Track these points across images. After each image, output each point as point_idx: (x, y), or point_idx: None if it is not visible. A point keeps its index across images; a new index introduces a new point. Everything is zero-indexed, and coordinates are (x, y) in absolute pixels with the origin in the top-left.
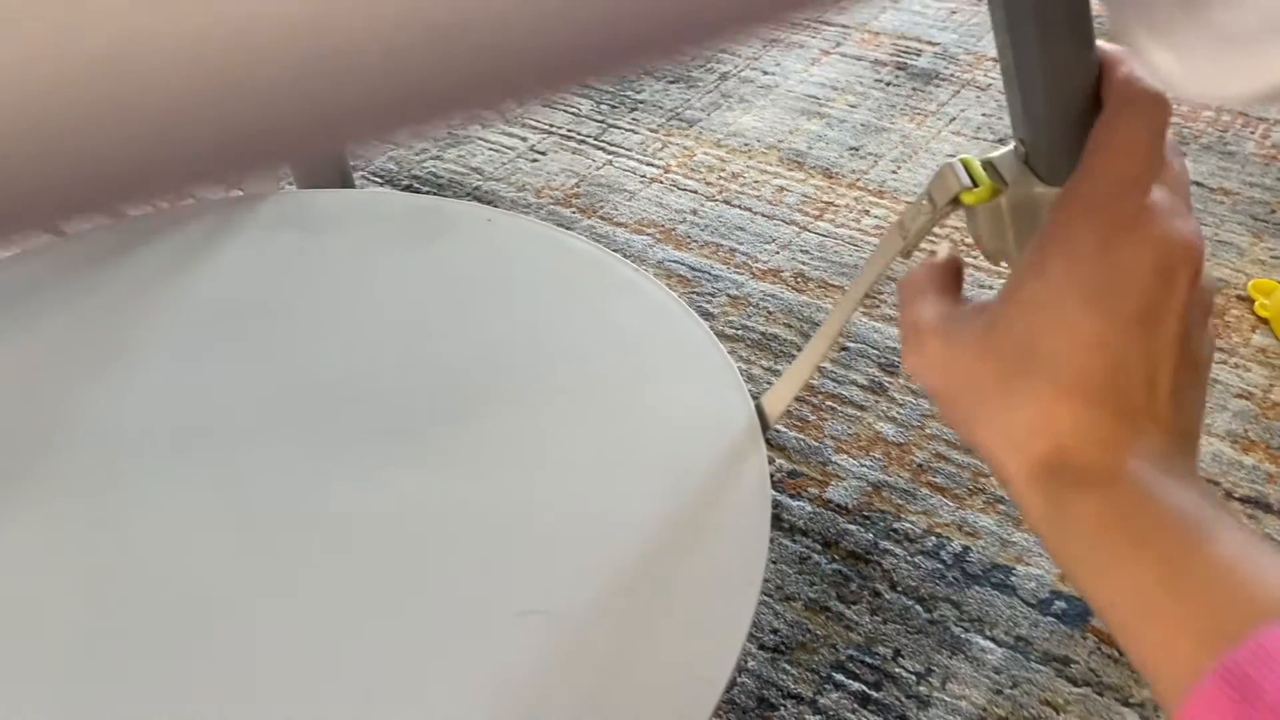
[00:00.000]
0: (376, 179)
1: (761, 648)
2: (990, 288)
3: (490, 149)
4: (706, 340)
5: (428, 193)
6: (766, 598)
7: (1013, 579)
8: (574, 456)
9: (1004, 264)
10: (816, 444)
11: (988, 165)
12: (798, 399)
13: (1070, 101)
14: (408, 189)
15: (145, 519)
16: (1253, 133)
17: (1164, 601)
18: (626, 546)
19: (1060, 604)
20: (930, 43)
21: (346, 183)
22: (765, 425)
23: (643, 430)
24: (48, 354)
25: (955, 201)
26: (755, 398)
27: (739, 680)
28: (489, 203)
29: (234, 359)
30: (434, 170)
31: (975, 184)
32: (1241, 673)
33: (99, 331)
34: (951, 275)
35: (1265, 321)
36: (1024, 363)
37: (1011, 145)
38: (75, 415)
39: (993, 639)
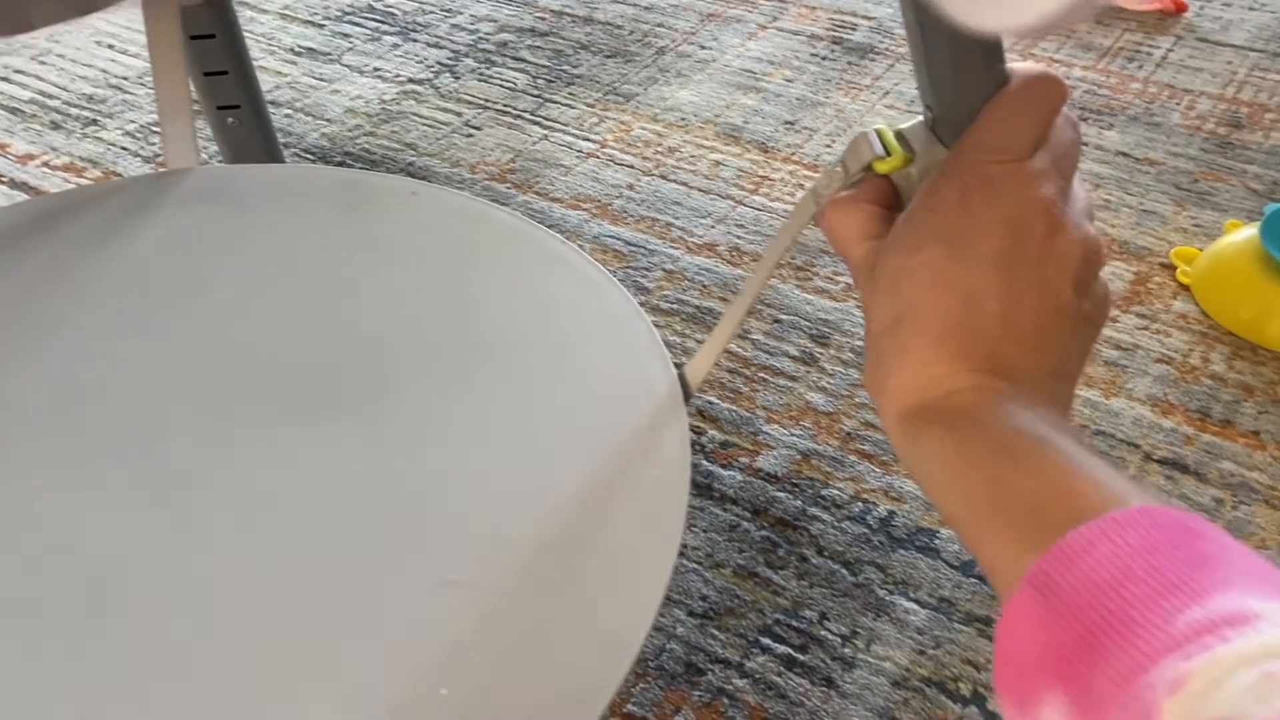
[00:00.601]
0: (309, 155)
1: (690, 614)
2: None
3: (424, 124)
4: (630, 309)
5: (359, 169)
6: (696, 565)
7: (937, 542)
8: (496, 427)
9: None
10: (748, 415)
11: (899, 135)
12: (731, 371)
13: (973, 69)
14: (340, 165)
15: (59, 497)
16: (1178, 104)
17: (994, 514)
18: (547, 515)
19: None
20: (866, 17)
21: (275, 159)
22: (688, 393)
23: (565, 399)
24: None
25: (868, 170)
26: (678, 366)
27: (667, 646)
28: (423, 179)
29: (153, 336)
30: (367, 146)
31: (888, 153)
32: (1045, 574)
33: (12, 309)
34: (871, 213)
35: (1186, 288)
36: (893, 305)
37: (921, 115)
38: None
39: (916, 601)
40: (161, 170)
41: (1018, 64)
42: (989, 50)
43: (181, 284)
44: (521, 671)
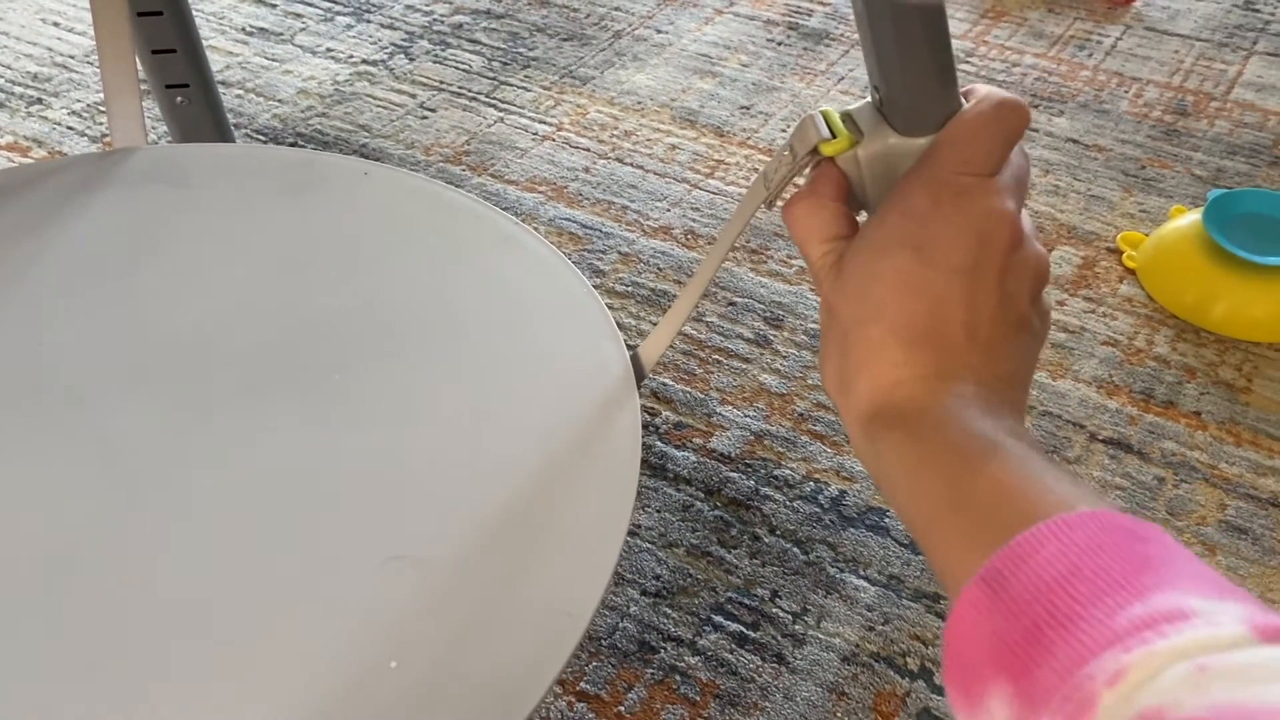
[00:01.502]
0: (260, 136)
1: (644, 593)
2: None
3: (378, 106)
4: (584, 291)
5: (312, 150)
6: (649, 545)
7: (886, 520)
8: (449, 406)
9: (864, 214)
10: (703, 396)
11: (846, 117)
12: (685, 353)
13: (920, 50)
14: (292, 146)
15: (15, 470)
16: (1126, 92)
17: (949, 516)
18: (499, 492)
19: None
20: (821, 2)
21: (226, 140)
22: (640, 375)
23: (519, 380)
24: None
25: (815, 152)
26: (632, 348)
27: (620, 625)
28: (376, 160)
29: (96, 314)
30: (319, 128)
31: (834, 135)
32: (996, 571)
33: None
34: (835, 211)
35: (1132, 272)
36: (860, 307)
37: (869, 97)
38: None
39: (866, 578)
40: (108, 150)
41: (986, 87)
42: (934, 31)
43: (127, 263)
44: (470, 646)
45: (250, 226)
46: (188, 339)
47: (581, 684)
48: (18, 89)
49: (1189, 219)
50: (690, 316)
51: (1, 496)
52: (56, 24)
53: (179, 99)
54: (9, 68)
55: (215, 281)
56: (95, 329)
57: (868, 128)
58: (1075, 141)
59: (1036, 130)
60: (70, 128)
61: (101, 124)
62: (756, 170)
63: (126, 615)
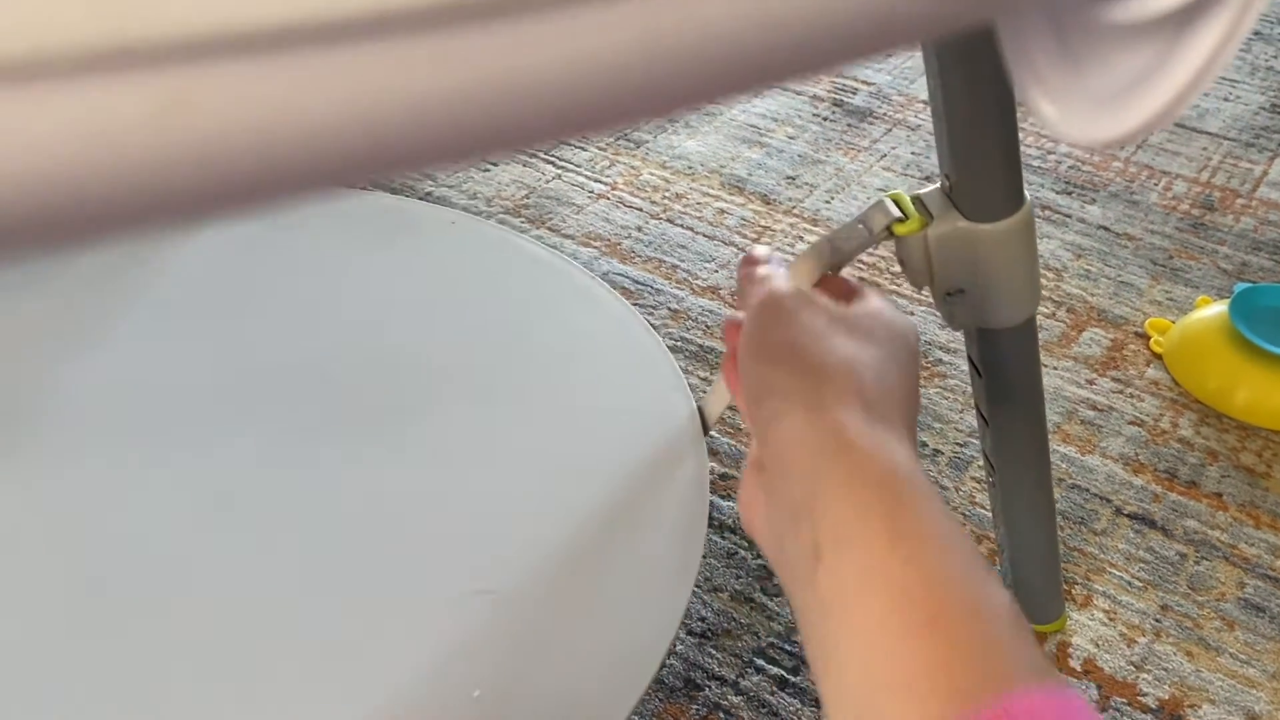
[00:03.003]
0: None
1: (690, 633)
2: (911, 311)
3: None
4: (654, 346)
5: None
6: (695, 588)
7: None
8: (526, 449)
9: (926, 290)
10: (744, 448)
11: (916, 200)
12: (731, 409)
13: (990, 142)
14: (362, 190)
15: (119, 493)
16: (1156, 184)
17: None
18: (572, 533)
19: None
20: (866, 82)
21: None
22: (706, 427)
23: (591, 427)
24: (24, 336)
25: (887, 231)
26: (696, 401)
27: (668, 663)
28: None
29: (202, 342)
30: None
31: (905, 217)
32: None
33: (68, 307)
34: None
35: (1159, 357)
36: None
37: (939, 183)
38: (51, 395)
39: None
40: None
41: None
42: (1005, 131)
43: (231, 295)
44: (547, 681)
45: (347, 267)
46: (285, 371)
47: (630, 715)
48: None
49: (1215, 309)
50: None
51: (110, 511)
52: None
53: None
54: None
55: (311, 318)
56: (199, 355)
57: (937, 211)
58: (1106, 229)
59: (1069, 216)
60: None
61: None
62: (802, 239)
63: (219, 635)
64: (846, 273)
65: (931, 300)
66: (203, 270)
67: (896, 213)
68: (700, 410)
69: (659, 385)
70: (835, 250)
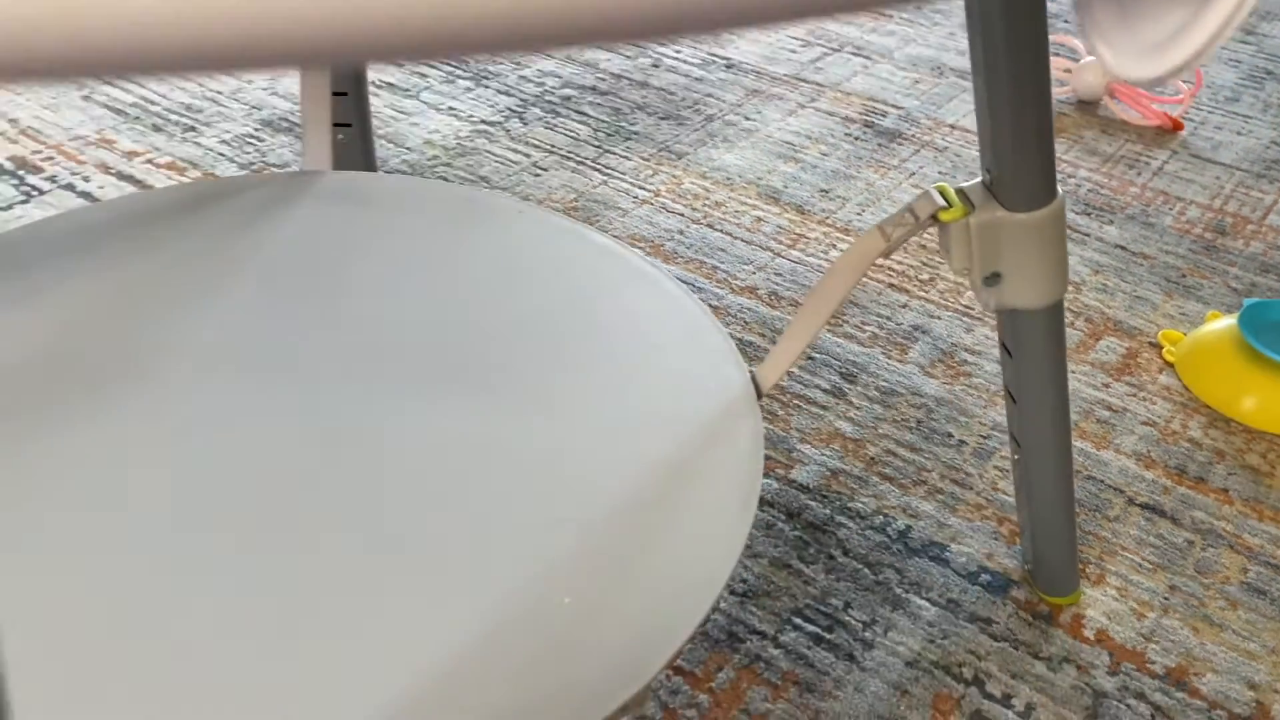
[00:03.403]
0: None
1: (732, 593)
2: (939, 317)
3: (496, 161)
4: (708, 321)
5: None
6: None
7: (947, 554)
8: (596, 406)
9: (965, 274)
10: (784, 434)
11: (960, 192)
12: (769, 397)
13: (1029, 141)
14: None
15: (228, 431)
16: (1171, 209)
17: None
18: (643, 475)
19: (986, 577)
20: (896, 106)
21: (369, 166)
22: (759, 392)
23: (653, 389)
24: (139, 292)
25: (933, 218)
26: (751, 369)
27: (712, 617)
28: None
29: (299, 302)
30: (444, 175)
31: (950, 206)
32: None
33: (180, 271)
34: None
35: (1171, 365)
36: None
37: (980, 178)
38: (171, 343)
39: (928, 600)
40: (301, 171)
41: None
42: (1042, 128)
43: (323, 265)
44: (626, 592)
45: (424, 247)
46: (376, 330)
47: (679, 661)
48: (173, 117)
49: (1224, 322)
50: (803, 348)
51: (232, 453)
52: None
53: (340, 136)
54: (165, 98)
55: (397, 287)
56: (297, 313)
57: (979, 202)
58: (1123, 248)
59: (1089, 235)
60: (221, 154)
61: (249, 153)
62: (835, 247)
63: (334, 548)
64: (898, 257)
65: (959, 304)
66: (295, 241)
67: (941, 202)
68: (754, 376)
69: (714, 357)
70: (886, 236)
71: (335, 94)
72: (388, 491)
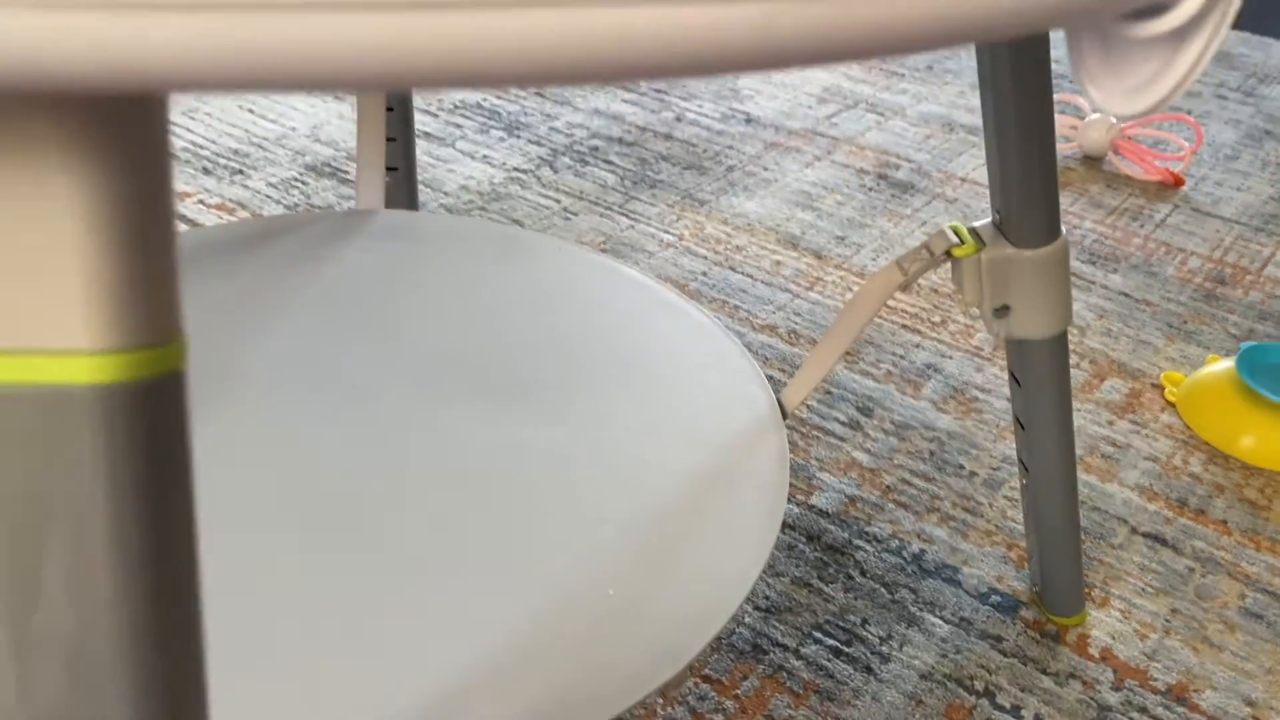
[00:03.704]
0: None
1: (755, 608)
2: (951, 357)
3: (528, 206)
4: (735, 348)
5: None
6: (761, 574)
7: (959, 576)
8: (629, 421)
9: (976, 310)
10: (804, 463)
11: (972, 230)
12: (790, 428)
13: (1035, 185)
14: None
15: (292, 441)
16: (1173, 259)
17: None
18: (676, 485)
19: (996, 597)
20: (908, 159)
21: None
22: (785, 412)
23: (688, 409)
24: (208, 318)
25: (947, 254)
26: (776, 392)
27: (736, 630)
28: None
29: (356, 329)
30: (480, 219)
31: (962, 243)
32: None
33: (239, 302)
34: None
35: (1173, 405)
36: None
37: (989, 219)
38: (243, 361)
39: (941, 618)
40: (355, 210)
41: None
42: (1047, 174)
43: (378, 296)
44: (664, 585)
45: (467, 279)
46: (429, 353)
47: (706, 669)
48: (222, 160)
49: (1224, 364)
50: (827, 371)
51: (298, 460)
52: (251, 110)
53: (387, 179)
54: (214, 142)
55: (447, 315)
56: (354, 338)
57: (989, 240)
58: (1127, 295)
59: (1094, 283)
60: (268, 196)
61: (295, 196)
62: (851, 289)
63: (399, 543)
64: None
65: (970, 344)
66: (351, 274)
67: (955, 239)
68: (779, 399)
69: (741, 379)
70: (904, 270)
71: (387, 140)
72: (443, 494)
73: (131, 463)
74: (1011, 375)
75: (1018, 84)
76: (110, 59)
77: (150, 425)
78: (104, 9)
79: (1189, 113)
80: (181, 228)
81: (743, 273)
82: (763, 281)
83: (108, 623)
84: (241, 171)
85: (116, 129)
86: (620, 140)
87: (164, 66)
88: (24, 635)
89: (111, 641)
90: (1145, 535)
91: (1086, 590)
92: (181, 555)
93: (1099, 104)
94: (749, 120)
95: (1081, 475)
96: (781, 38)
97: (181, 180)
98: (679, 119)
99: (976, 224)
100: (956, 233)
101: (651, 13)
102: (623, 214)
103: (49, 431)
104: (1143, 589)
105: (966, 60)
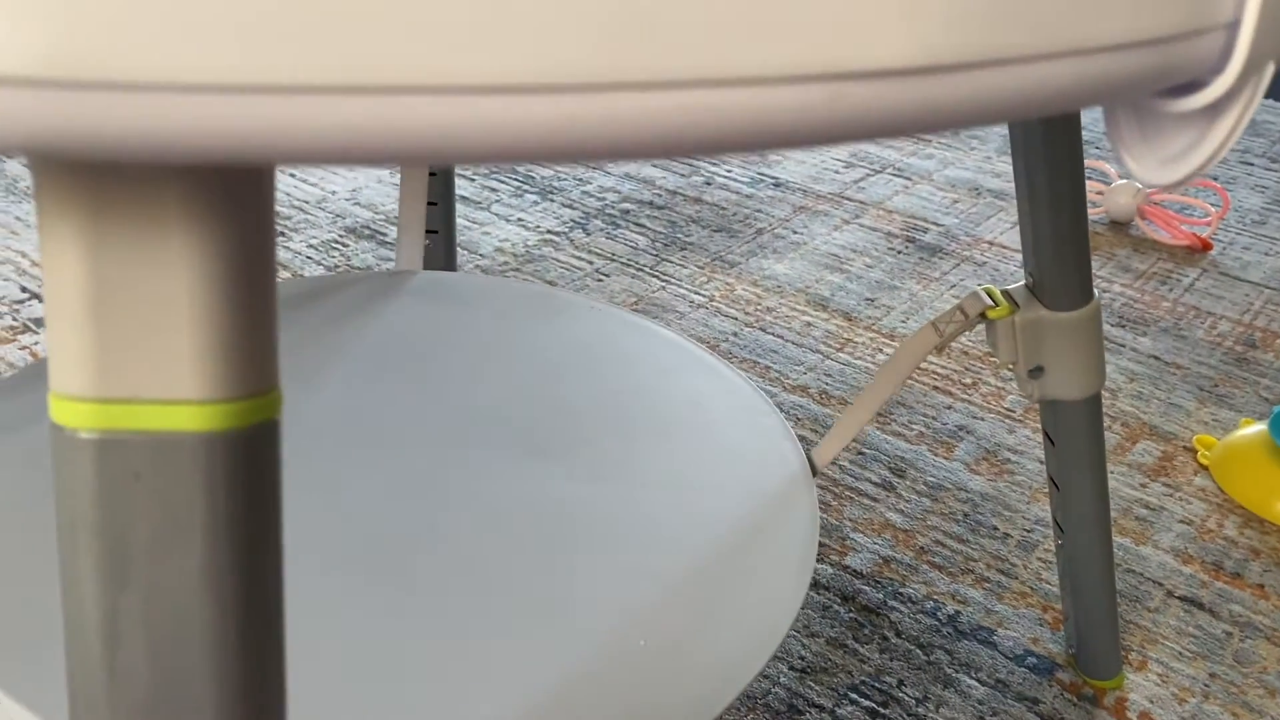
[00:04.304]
0: None
1: (790, 668)
2: (982, 418)
3: (561, 267)
4: (765, 406)
5: None
6: (795, 632)
7: (995, 638)
8: (661, 477)
9: (1009, 371)
10: (837, 523)
11: (1005, 293)
12: (823, 487)
13: (1068, 249)
14: None
15: (338, 493)
16: (1202, 323)
17: None
18: (711, 536)
19: (1032, 659)
20: (936, 223)
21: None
22: (814, 471)
23: (716, 469)
24: None
25: (981, 316)
26: (806, 450)
27: (772, 690)
28: None
29: (397, 384)
30: (515, 280)
31: (996, 304)
32: None
33: (294, 358)
34: None
35: (1205, 468)
36: None
37: (1023, 282)
38: (287, 417)
39: (977, 680)
40: (395, 271)
41: None
42: (1079, 237)
43: (418, 351)
44: (695, 639)
45: (504, 337)
46: (466, 408)
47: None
48: None
49: (1256, 428)
50: (859, 430)
51: (343, 512)
52: (292, 175)
53: (426, 241)
54: None
55: (483, 373)
56: (396, 393)
57: (1022, 302)
58: (1157, 359)
59: (1123, 346)
60: (309, 257)
61: (334, 255)
62: (882, 351)
63: (438, 590)
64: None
65: (1001, 406)
66: (391, 332)
67: (989, 301)
68: (809, 456)
69: (771, 438)
70: (939, 332)
71: (428, 204)
72: (479, 546)
73: (231, 506)
74: (1046, 435)
75: (1050, 150)
76: (231, 132)
77: (250, 470)
78: (232, 91)
79: (1215, 178)
80: None
81: (773, 334)
82: (793, 342)
83: (199, 660)
84: (283, 234)
85: (230, 196)
86: (651, 204)
87: (276, 141)
88: (115, 668)
89: (202, 682)
90: (1181, 599)
91: (1124, 653)
92: (270, 596)
93: (1135, 175)
94: (777, 184)
95: (1115, 538)
96: (847, 115)
97: None
98: (708, 183)
99: (1010, 286)
100: (990, 295)
101: (744, 94)
102: (654, 275)
103: (157, 476)
104: (1180, 653)
105: (992, 127)
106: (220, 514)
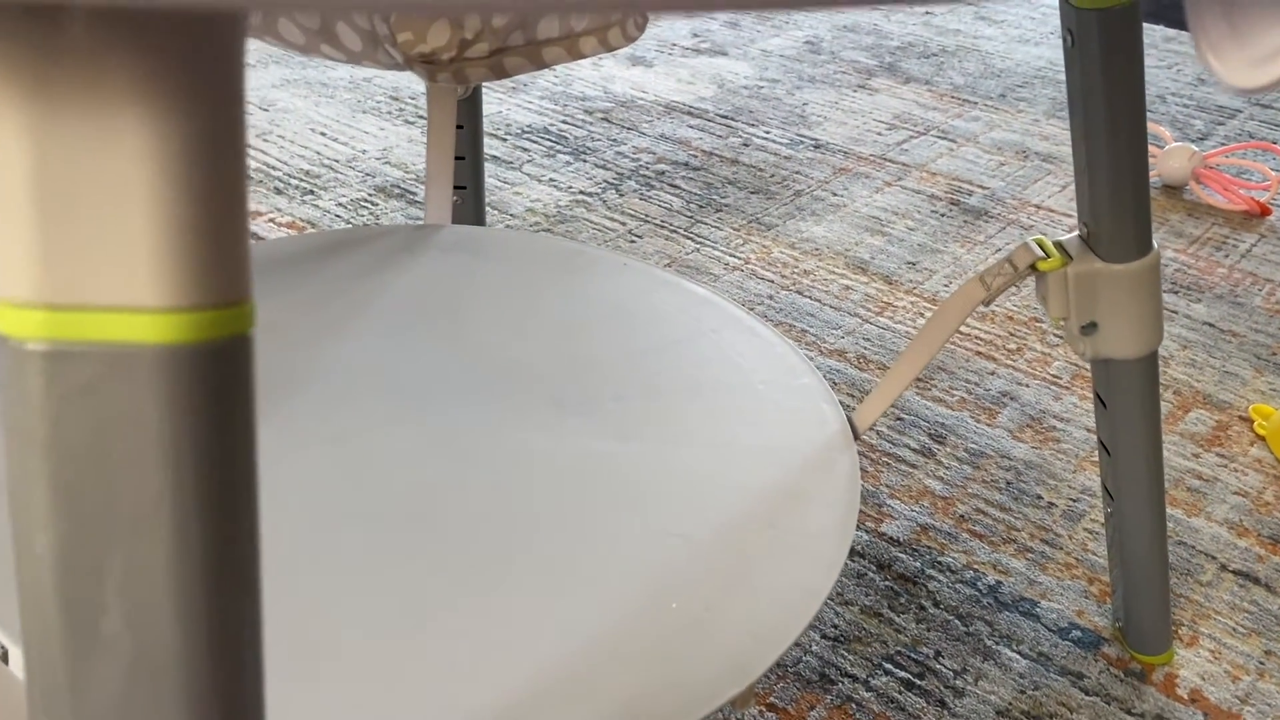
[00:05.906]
0: None
1: (824, 637)
2: (1028, 385)
3: (594, 228)
4: (805, 366)
5: None
6: (829, 602)
7: (1038, 610)
8: (702, 438)
9: (1061, 325)
10: (874, 489)
11: (1058, 244)
12: (860, 454)
13: (1126, 194)
14: None
15: (364, 447)
16: (1260, 290)
17: None
18: (745, 500)
19: (1077, 632)
20: (981, 186)
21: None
22: (856, 433)
23: (756, 426)
24: (280, 325)
25: (1031, 268)
26: (847, 412)
27: (803, 659)
28: None
29: (422, 339)
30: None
31: (1047, 256)
32: None
33: (309, 312)
34: None
35: (1262, 439)
36: None
37: (1077, 232)
38: (313, 369)
39: (1019, 653)
40: (424, 224)
41: None
42: (1139, 183)
43: (445, 305)
44: (731, 599)
45: (534, 292)
46: (493, 364)
47: (771, 698)
48: (294, 181)
49: None
50: (902, 390)
51: (370, 466)
52: (323, 134)
53: (455, 197)
54: (286, 164)
55: (511, 329)
56: (420, 348)
57: (1075, 254)
58: (1211, 325)
59: (1176, 312)
60: (338, 215)
61: (362, 214)
62: (923, 315)
63: (463, 545)
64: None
65: (1047, 373)
66: (417, 286)
67: (1040, 253)
68: (850, 418)
69: (811, 397)
70: (986, 285)
71: (456, 158)
72: (509, 504)
73: (196, 429)
74: (1097, 397)
75: (1109, 81)
76: None
77: (218, 389)
78: None
79: (1276, 142)
80: (251, 244)
81: (810, 297)
82: (831, 306)
83: (161, 599)
84: (312, 192)
85: (191, 65)
86: (686, 165)
87: None
88: (80, 598)
89: (167, 611)
90: (1235, 573)
91: (1173, 628)
92: (240, 534)
93: (1220, 77)
94: (817, 146)
95: (1167, 509)
96: None
97: (254, 200)
98: (746, 144)
99: (1062, 238)
100: (1041, 246)
101: None
102: (688, 237)
103: (112, 392)
104: (1234, 629)
105: (1040, 89)
106: (184, 437)
